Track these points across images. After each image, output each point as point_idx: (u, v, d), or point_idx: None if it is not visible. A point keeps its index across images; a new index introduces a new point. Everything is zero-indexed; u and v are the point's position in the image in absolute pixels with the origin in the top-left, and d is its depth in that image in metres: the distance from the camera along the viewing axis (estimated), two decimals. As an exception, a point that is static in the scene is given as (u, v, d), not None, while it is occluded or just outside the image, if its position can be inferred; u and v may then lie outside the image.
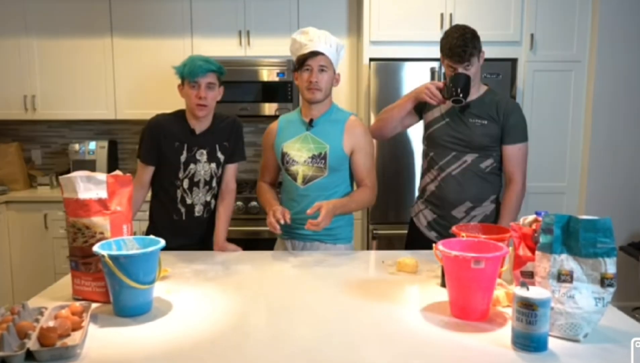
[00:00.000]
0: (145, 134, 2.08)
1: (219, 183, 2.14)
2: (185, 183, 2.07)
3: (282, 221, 1.86)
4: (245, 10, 3.48)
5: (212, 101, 2.02)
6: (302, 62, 1.93)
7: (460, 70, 2.00)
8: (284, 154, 2.02)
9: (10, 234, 3.41)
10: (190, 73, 1.96)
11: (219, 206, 2.15)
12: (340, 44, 1.99)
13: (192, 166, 2.06)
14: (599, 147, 3.29)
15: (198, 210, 2.10)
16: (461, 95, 1.97)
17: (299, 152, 2.00)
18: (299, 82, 1.97)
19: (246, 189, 3.39)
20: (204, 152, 2.07)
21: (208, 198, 2.12)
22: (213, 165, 2.09)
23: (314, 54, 1.91)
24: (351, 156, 2.00)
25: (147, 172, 2.08)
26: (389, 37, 3.25)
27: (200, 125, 2.08)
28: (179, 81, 2.05)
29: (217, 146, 2.10)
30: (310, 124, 1.99)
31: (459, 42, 1.97)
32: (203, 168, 2.07)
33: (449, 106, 2.10)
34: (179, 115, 2.10)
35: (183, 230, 2.10)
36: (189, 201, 2.09)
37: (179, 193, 2.08)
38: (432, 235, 2.15)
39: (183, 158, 2.05)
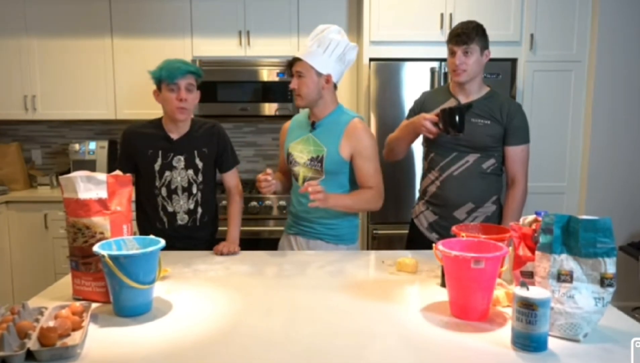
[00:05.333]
0: (120, 142, 2.08)
1: (201, 189, 2.07)
2: (164, 191, 2.04)
3: (262, 177, 1.89)
4: (245, 10, 3.48)
5: (191, 104, 1.98)
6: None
7: (459, 54, 2.02)
8: (289, 155, 2.06)
9: (10, 234, 3.41)
10: (169, 75, 1.92)
11: (228, 210, 2.15)
12: (335, 42, 1.89)
13: (167, 173, 2.03)
14: (599, 147, 3.29)
15: (181, 218, 2.06)
16: (458, 126, 1.94)
17: (300, 153, 2.01)
18: None
19: (246, 190, 3.39)
20: (181, 158, 2.03)
21: (191, 206, 2.06)
22: (190, 172, 2.04)
23: (294, 60, 1.94)
24: (352, 160, 1.96)
25: None
26: (389, 37, 3.25)
27: (178, 130, 2.04)
28: None
29: (195, 153, 2.05)
30: (312, 126, 2.00)
31: (461, 25, 2.05)
32: (179, 174, 2.03)
33: (450, 104, 2.10)
34: (155, 122, 2.08)
35: (168, 239, 2.07)
36: (170, 209, 2.05)
37: (159, 201, 2.05)
38: (433, 236, 2.15)
39: (157, 165, 2.02)
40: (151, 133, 2.05)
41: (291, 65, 1.95)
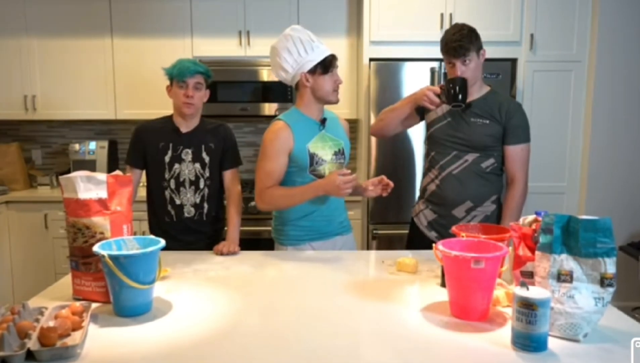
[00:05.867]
0: (131, 138, 2.19)
1: (208, 185, 2.15)
2: (172, 184, 2.13)
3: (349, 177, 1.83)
4: (245, 10, 3.48)
5: (198, 101, 2.10)
6: (329, 64, 1.93)
7: (459, 65, 2.01)
8: (312, 155, 1.95)
9: (10, 234, 3.41)
10: (179, 73, 2.06)
11: (227, 210, 2.19)
12: (292, 43, 1.96)
13: (176, 165, 2.13)
14: (599, 147, 3.29)
15: (187, 211, 2.14)
16: (460, 98, 1.98)
17: (323, 150, 1.99)
18: (326, 83, 1.93)
19: (246, 189, 3.39)
20: (189, 151, 2.13)
21: (197, 200, 2.14)
22: (197, 165, 2.14)
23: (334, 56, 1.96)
24: None
25: (133, 175, 2.14)
26: (389, 37, 3.25)
27: (187, 125, 2.15)
28: None
29: (202, 147, 2.14)
30: (323, 123, 2.01)
31: (455, 37, 2.01)
32: (187, 167, 2.13)
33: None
34: (165, 118, 2.19)
35: (176, 232, 2.12)
36: (177, 202, 2.14)
37: (167, 194, 2.14)
38: (432, 235, 2.16)
39: (167, 157, 2.13)
40: (162, 127, 2.17)
41: (331, 60, 1.94)
